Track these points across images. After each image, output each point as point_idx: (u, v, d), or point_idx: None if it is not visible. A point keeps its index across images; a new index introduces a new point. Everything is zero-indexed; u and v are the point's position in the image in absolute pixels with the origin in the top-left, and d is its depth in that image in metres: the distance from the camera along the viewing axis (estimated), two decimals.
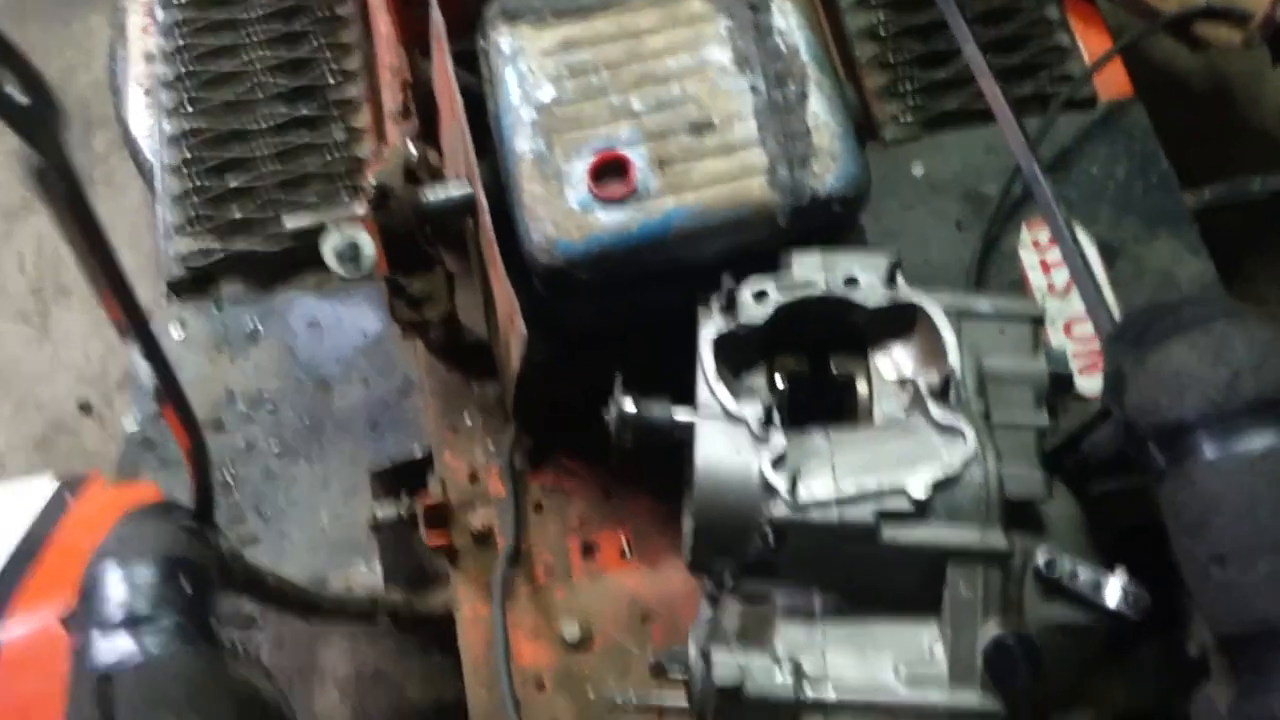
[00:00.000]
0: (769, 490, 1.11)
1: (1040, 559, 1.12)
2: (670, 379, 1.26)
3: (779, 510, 1.10)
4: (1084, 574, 1.12)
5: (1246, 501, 0.88)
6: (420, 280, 1.43)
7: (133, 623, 0.90)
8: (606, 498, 1.53)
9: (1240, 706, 0.87)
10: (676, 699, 1.32)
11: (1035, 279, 1.64)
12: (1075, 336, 1.61)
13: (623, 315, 1.36)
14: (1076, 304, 1.60)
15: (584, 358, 1.44)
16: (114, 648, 0.89)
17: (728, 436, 1.15)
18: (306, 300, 1.67)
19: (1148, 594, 1.11)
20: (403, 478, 1.60)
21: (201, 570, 0.97)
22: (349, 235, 1.31)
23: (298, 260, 1.67)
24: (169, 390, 0.96)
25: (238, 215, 1.69)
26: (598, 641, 1.46)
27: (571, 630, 1.46)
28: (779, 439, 1.13)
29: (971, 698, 1.09)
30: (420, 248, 1.42)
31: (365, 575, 1.53)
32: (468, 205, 1.41)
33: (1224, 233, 1.75)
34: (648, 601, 1.48)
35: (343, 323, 1.65)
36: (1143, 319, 1.04)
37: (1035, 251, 1.65)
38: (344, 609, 1.45)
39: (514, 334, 1.37)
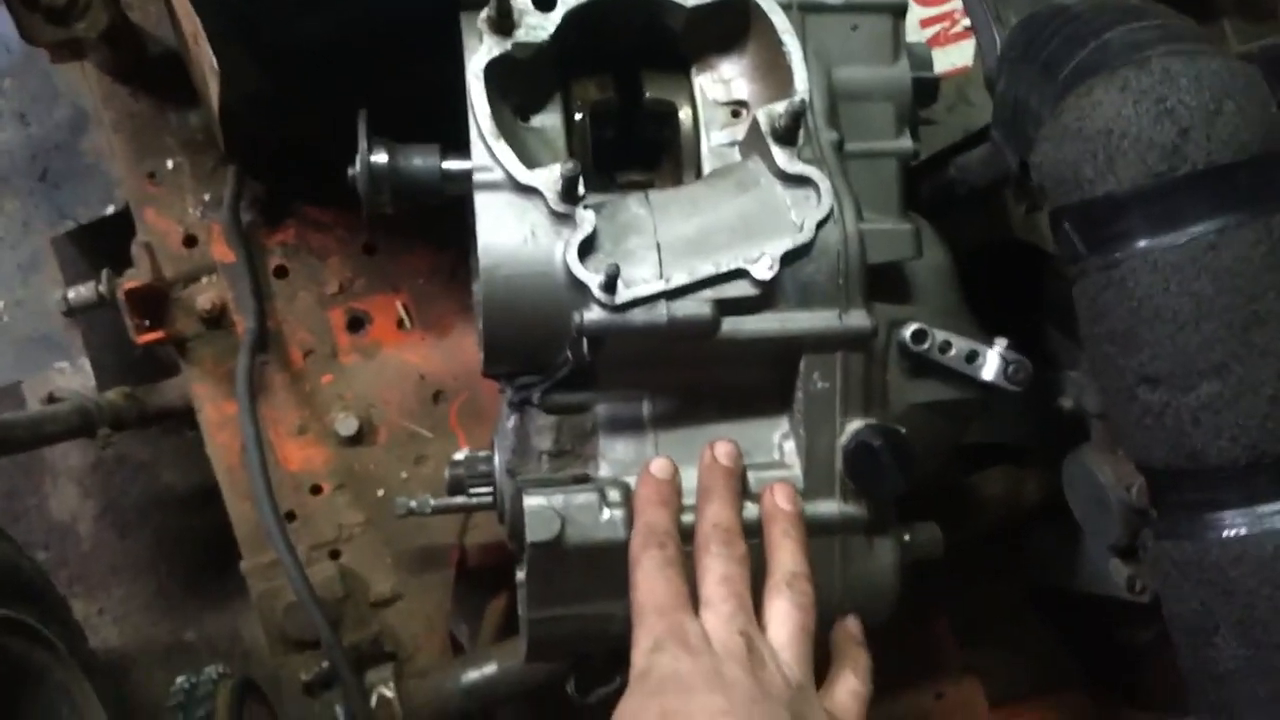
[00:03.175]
0: (578, 288, 0.84)
1: (907, 332, 0.92)
2: (426, 110, 0.94)
3: (593, 314, 0.84)
4: (957, 345, 0.93)
5: (1190, 308, 0.67)
6: None
7: None
8: (370, 254, 1.23)
9: (1162, 543, 0.72)
10: (484, 497, 1.11)
11: None
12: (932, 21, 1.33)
13: (342, 17, 0.99)
14: None
15: (309, 90, 1.08)
16: None
17: (517, 214, 0.86)
18: None
19: (1030, 364, 0.93)
20: (96, 241, 1.24)
21: None
22: None
23: None
24: None
25: None
26: (382, 432, 1.22)
27: (347, 422, 1.20)
28: (586, 216, 0.85)
29: (831, 506, 0.91)
30: None
31: (70, 375, 1.20)
32: None
33: None
34: (439, 377, 1.23)
35: None
36: (1050, 34, 0.77)
37: None
38: (46, 432, 1.14)
39: (205, 63, 0.99)
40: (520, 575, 0.99)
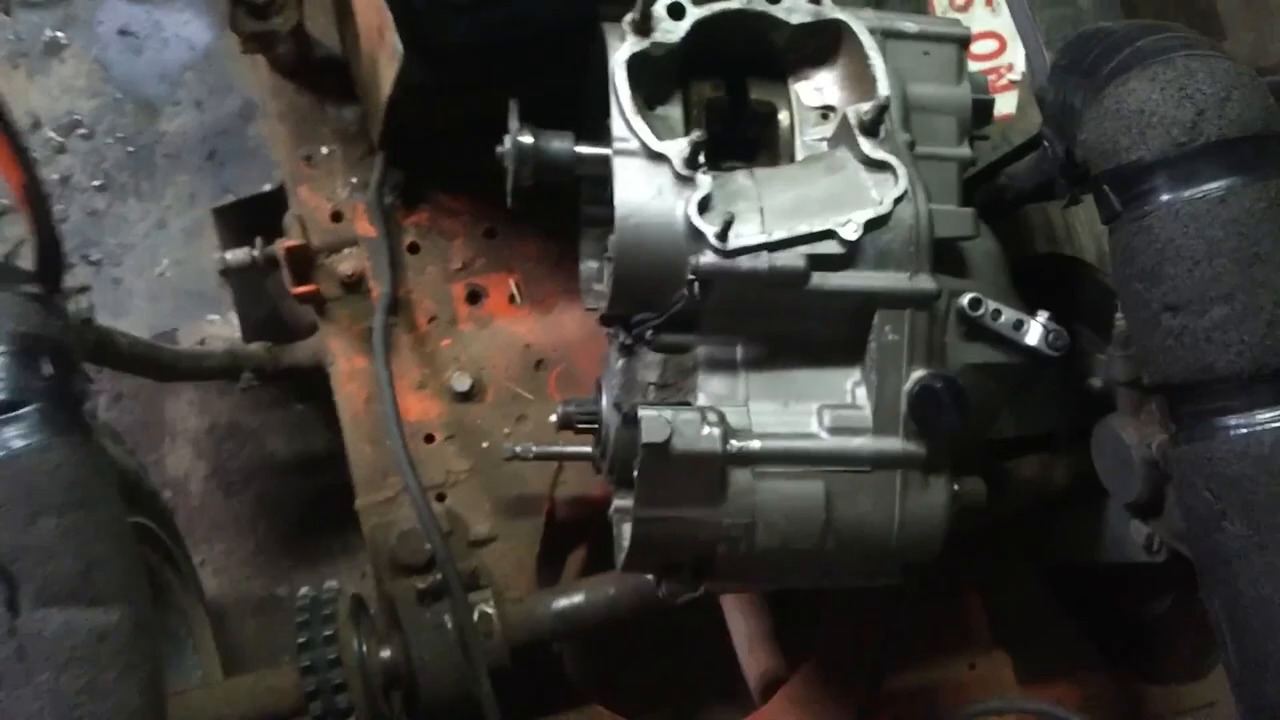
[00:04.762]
0: (696, 236, 1.01)
1: (964, 299, 1.09)
2: (562, 111, 1.13)
3: (707, 258, 1.01)
4: (1006, 314, 1.10)
5: (1204, 249, 0.84)
6: None
7: None
8: (490, 238, 1.41)
9: (1179, 449, 0.88)
10: (578, 447, 1.27)
11: (938, 6, 1.53)
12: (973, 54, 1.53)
13: (508, 26, 1.19)
14: (975, 21, 1.52)
15: (463, 84, 1.28)
16: None
17: (648, 176, 1.04)
18: (116, 4, 1.41)
19: (1067, 333, 1.10)
20: (251, 216, 1.43)
21: (60, 346, 0.81)
22: None
23: None
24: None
25: None
26: (489, 392, 1.39)
27: (461, 381, 1.37)
28: (705, 179, 1.03)
29: (895, 443, 1.07)
30: None
31: (220, 326, 1.38)
32: None
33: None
34: (541, 348, 1.40)
35: (163, 32, 1.41)
36: (1093, 48, 0.96)
37: None
38: (202, 367, 1.31)
39: (383, 51, 1.19)
40: (615, 506, 1.15)
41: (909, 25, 1.17)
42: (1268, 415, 0.84)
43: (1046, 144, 1.07)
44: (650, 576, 1.18)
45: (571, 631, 1.30)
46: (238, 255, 1.37)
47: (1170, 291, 0.87)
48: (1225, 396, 0.85)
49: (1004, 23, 1.54)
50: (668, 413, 1.03)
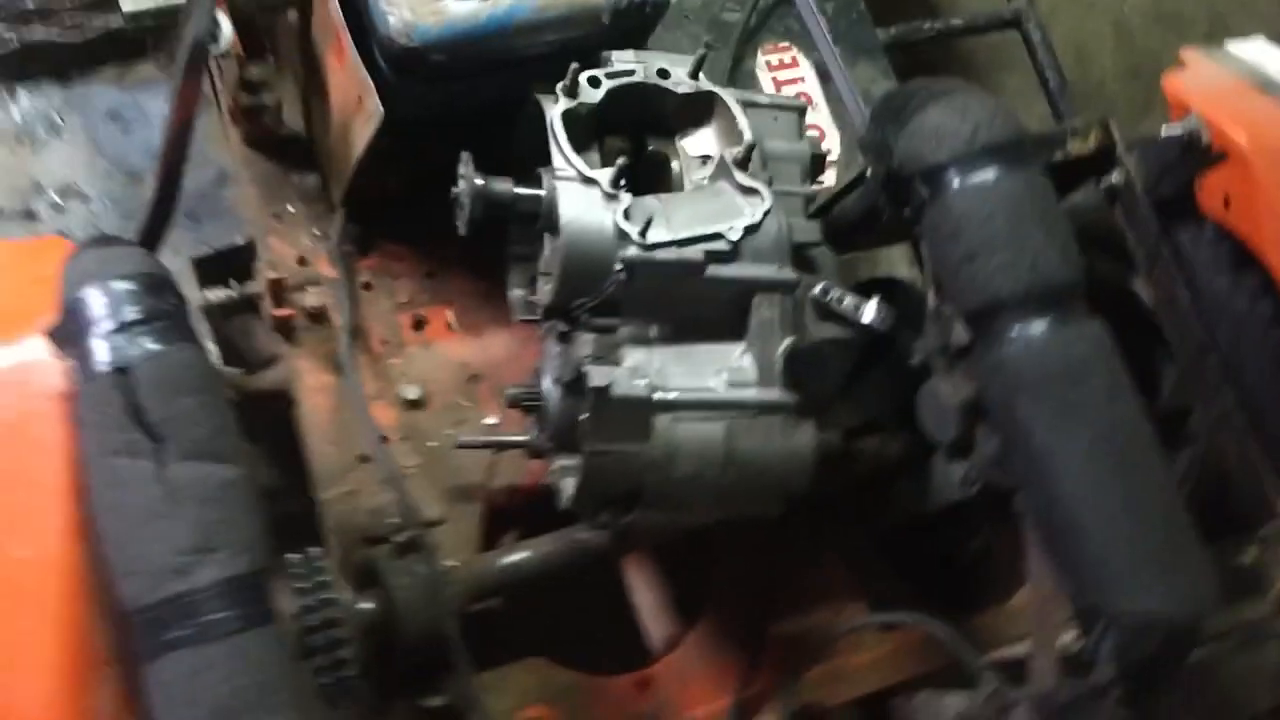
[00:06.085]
0: (623, 236, 1.36)
1: (816, 288, 1.47)
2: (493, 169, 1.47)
3: (631, 251, 1.36)
4: (848, 300, 1.48)
5: (986, 213, 1.25)
6: (258, 67, 1.53)
7: (130, 326, 1.00)
8: (431, 278, 1.72)
9: (982, 357, 1.26)
10: (511, 436, 1.57)
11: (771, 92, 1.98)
12: None
13: (462, 103, 1.54)
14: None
15: (414, 152, 1.61)
16: (119, 349, 0.99)
17: (583, 195, 1.38)
18: (108, 92, 1.68)
19: (894, 311, 1.48)
20: (225, 266, 1.70)
21: (171, 283, 1.08)
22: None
23: (96, 54, 1.68)
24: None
25: (31, 5, 1.65)
26: (433, 401, 1.67)
27: (411, 391, 1.65)
28: (626, 196, 1.38)
29: (774, 393, 1.41)
30: (259, 36, 1.51)
31: None
32: None
33: (908, 65, 2.17)
34: (475, 365, 1.70)
35: (148, 115, 1.69)
36: (899, 99, 1.39)
37: (769, 71, 1.98)
38: None
39: (360, 116, 1.51)
40: (556, 465, 1.44)
41: (761, 98, 1.58)
42: (1036, 323, 1.24)
43: (869, 175, 1.48)
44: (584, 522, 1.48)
45: (516, 582, 1.56)
46: (218, 294, 1.63)
47: (966, 245, 1.27)
48: (1008, 314, 1.25)
49: (824, 118, 1.99)
50: (609, 367, 1.36)
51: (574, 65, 1.42)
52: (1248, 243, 1.47)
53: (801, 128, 1.60)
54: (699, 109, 1.53)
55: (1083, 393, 1.20)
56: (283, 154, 1.70)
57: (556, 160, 1.40)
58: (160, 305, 1.04)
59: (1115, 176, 1.60)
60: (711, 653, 1.67)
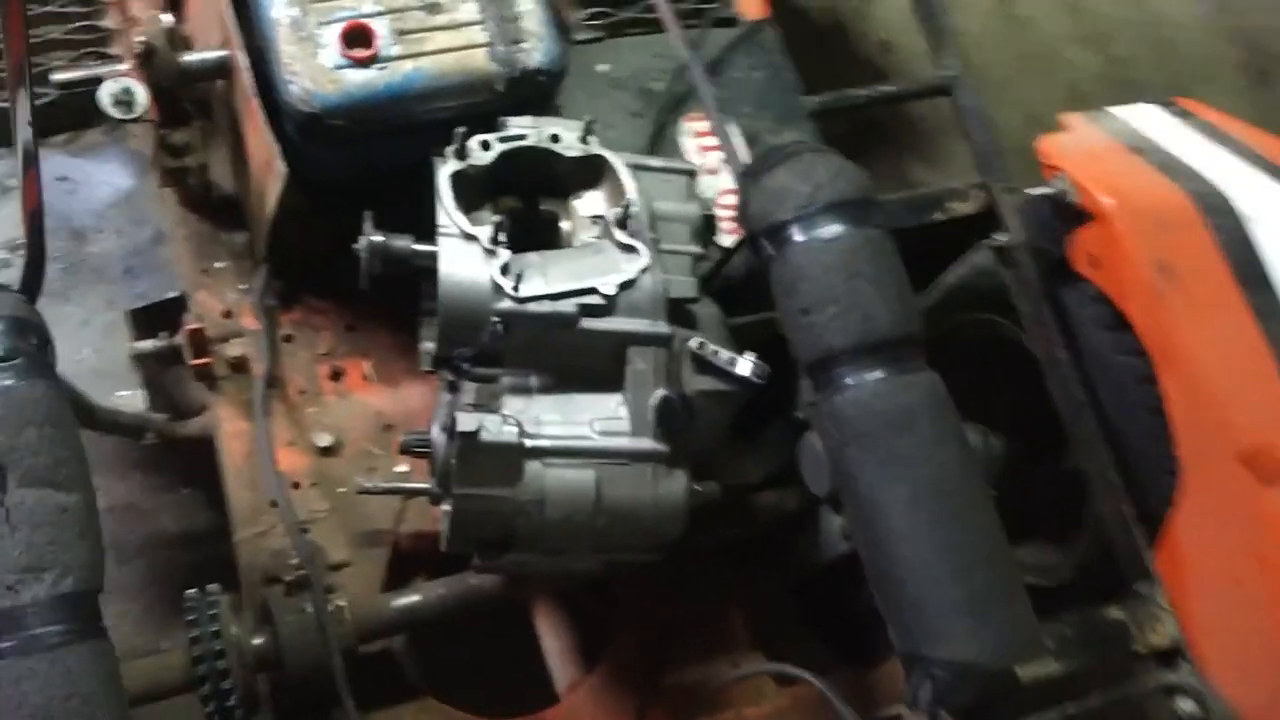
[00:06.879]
0: (498, 290, 1.44)
1: (693, 342, 1.53)
2: (405, 228, 1.55)
3: (505, 304, 1.43)
4: (723, 353, 1.53)
5: (820, 269, 1.31)
6: (181, 132, 1.64)
7: None
8: (351, 331, 1.81)
9: (819, 404, 1.31)
10: (418, 483, 1.64)
11: (695, 159, 2.05)
12: (723, 205, 2.04)
13: (368, 165, 1.64)
14: (725, 180, 2.03)
15: (331, 211, 1.70)
16: None
17: (464, 251, 1.46)
18: (56, 157, 1.81)
19: (768, 366, 1.54)
20: (157, 317, 1.80)
21: (40, 329, 1.17)
22: (124, 83, 1.50)
23: (45, 121, 1.80)
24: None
25: None
26: (347, 449, 1.74)
27: (324, 438, 1.73)
28: (504, 252, 1.46)
29: (645, 442, 1.47)
30: (181, 103, 1.63)
31: (130, 399, 1.72)
32: (222, 68, 1.63)
33: (833, 138, 2.24)
34: (390, 415, 1.78)
35: (93, 178, 1.81)
36: (756, 161, 1.46)
37: (695, 138, 2.06)
38: (116, 422, 1.64)
39: (271, 176, 1.62)
40: (443, 509, 1.51)
41: (653, 162, 1.66)
42: (865, 375, 1.29)
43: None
44: (472, 565, 1.54)
45: (410, 623, 1.61)
46: (144, 344, 1.73)
47: (803, 299, 1.32)
48: (839, 366, 1.30)
49: None
50: (478, 414, 1.43)
51: (459, 130, 1.51)
52: (1115, 301, 1.50)
53: (691, 190, 1.67)
54: (589, 171, 1.61)
55: (908, 442, 1.24)
56: (215, 213, 1.81)
57: (440, 218, 1.48)
58: (20, 345, 1.14)
59: (1001, 236, 1.66)
60: (605, 698, 1.71)
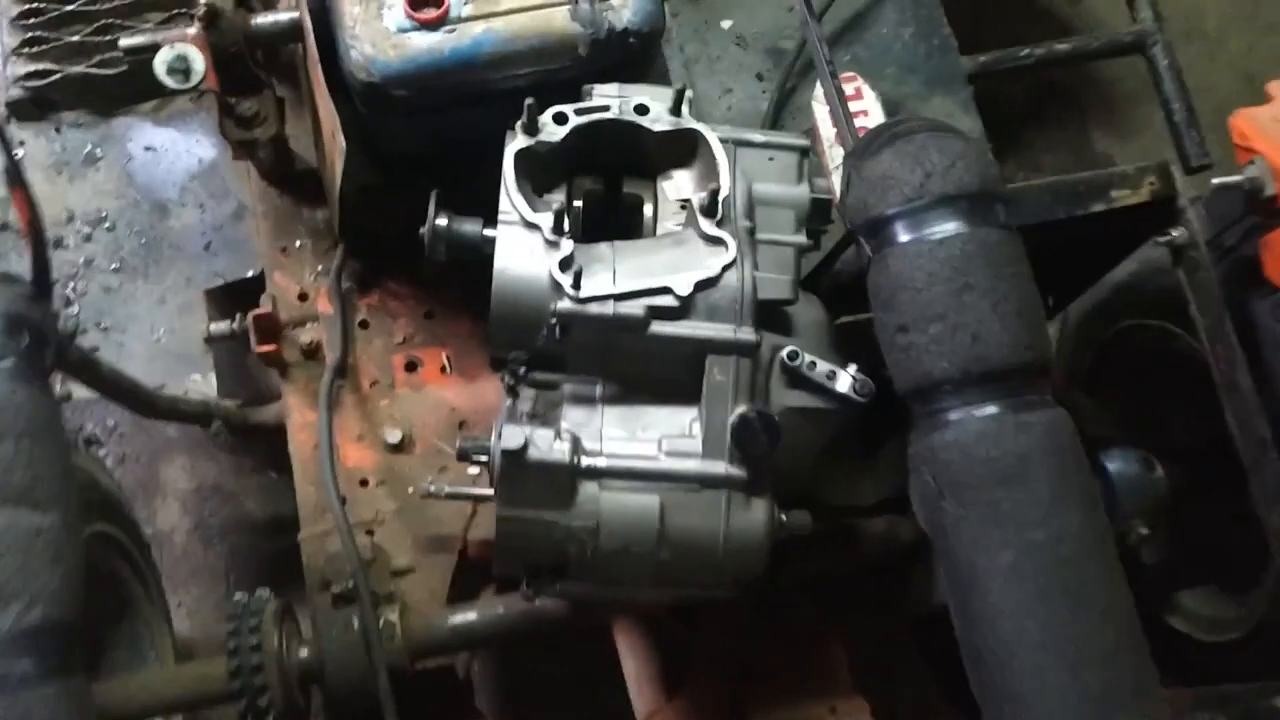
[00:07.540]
0: (556, 287, 1.26)
1: (784, 351, 1.31)
2: (485, 207, 1.40)
3: (563, 304, 1.25)
4: (820, 365, 1.31)
5: (924, 277, 1.07)
6: (250, 101, 1.53)
7: None
8: (429, 319, 1.67)
9: (915, 442, 1.08)
10: (485, 490, 1.49)
11: (825, 130, 1.81)
12: None
13: (440, 138, 1.48)
14: None
15: (406, 188, 1.57)
16: None
17: (524, 241, 1.29)
18: (144, 126, 1.74)
19: (873, 382, 1.30)
20: (236, 297, 1.71)
21: (39, 328, 1.08)
22: (180, 50, 1.39)
23: (136, 86, 1.74)
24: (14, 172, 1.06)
25: (75, 38, 1.74)
26: (417, 446, 1.62)
27: (394, 434, 1.61)
28: (567, 243, 1.28)
29: (720, 466, 1.27)
30: (250, 70, 1.51)
31: (200, 385, 1.64)
32: (295, 30, 1.51)
33: (1005, 103, 1.95)
34: (464, 411, 1.64)
35: (179, 148, 1.74)
36: (869, 136, 1.22)
37: (826, 104, 1.81)
38: (177, 410, 1.57)
39: (336, 150, 1.49)
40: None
41: (756, 136, 1.43)
42: (972, 411, 1.04)
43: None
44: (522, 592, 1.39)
45: (465, 643, 1.48)
46: (220, 326, 1.65)
47: (901, 315, 1.09)
48: (941, 399, 1.06)
49: None
50: (526, 428, 1.26)
51: (529, 101, 1.33)
52: None
53: (803, 169, 1.44)
54: (680, 148, 1.40)
55: (1018, 498, 1.00)
56: (296, 189, 1.71)
57: (502, 201, 1.32)
58: (8, 346, 1.04)
59: (1176, 232, 1.36)
60: None
